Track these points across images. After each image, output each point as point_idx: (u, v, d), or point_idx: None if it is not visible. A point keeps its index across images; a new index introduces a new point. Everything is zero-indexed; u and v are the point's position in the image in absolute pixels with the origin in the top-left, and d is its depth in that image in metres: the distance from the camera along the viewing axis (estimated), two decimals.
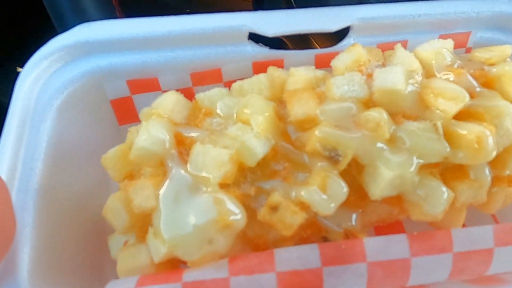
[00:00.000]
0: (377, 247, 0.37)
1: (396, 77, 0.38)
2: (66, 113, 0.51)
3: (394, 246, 0.37)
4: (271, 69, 0.48)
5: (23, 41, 0.73)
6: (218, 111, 0.43)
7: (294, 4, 0.72)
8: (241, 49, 0.54)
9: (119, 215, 0.41)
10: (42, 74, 0.50)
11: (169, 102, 0.42)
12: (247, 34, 0.54)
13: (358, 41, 0.56)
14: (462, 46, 0.56)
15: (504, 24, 0.56)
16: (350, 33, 0.56)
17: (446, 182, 0.40)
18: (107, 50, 0.52)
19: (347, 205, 0.41)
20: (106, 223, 0.44)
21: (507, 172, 0.40)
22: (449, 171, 0.41)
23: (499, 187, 0.42)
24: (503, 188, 0.42)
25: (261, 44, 0.55)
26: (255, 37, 0.55)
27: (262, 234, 0.40)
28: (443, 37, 0.56)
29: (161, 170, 0.39)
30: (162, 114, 0.41)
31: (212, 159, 0.36)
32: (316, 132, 0.37)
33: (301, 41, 0.68)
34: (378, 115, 0.37)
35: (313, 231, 0.41)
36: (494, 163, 0.41)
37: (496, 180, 0.42)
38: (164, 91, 0.50)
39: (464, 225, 0.48)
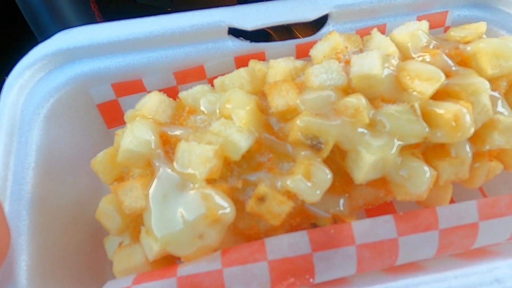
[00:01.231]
0: (364, 230, 0.38)
1: (372, 62, 0.39)
2: (53, 121, 0.51)
3: (381, 227, 0.38)
4: (252, 63, 0.49)
5: (4, 50, 0.73)
6: (202, 108, 0.43)
7: None
8: (221, 45, 0.55)
9: (111, 218, 0.42)
10: (26, 83, 0.51)
11: (152, 103, 0.43)
12: (226, 30, 0.54)
13: (337, 28, 0.56)
14: (440, 25, 0.57)
15: (480, 0, 0.56)
16: (329, 21, 0.56)
17: (428, 161, 0.41)
18: (90, 55, 0.52)
19: (333, 191, 0.42)
20: (101, 226, 0.45)
21: (487, 147, 0.41)
22: (431, 150, 0.42)
23: (481, 162, 0.43)
24: (485, 163, 0.43)
25: (242, 38, 0.55)
26: (235, 32, 0.55)
27: (252, 225, 0.41)
28: (421, 18, 0.56)
29: (149, 170, 0.40)
30: (146, 115, 0.42)
31: (197, 156, 0.36)
32: (297, 122, 0.37)
33: (285, 32, 0.68)
34: (356, 101, 0.38)
35: (302, 218, 0.42)
36: (474, 139, 0.42)
37: (477, 155, 0.43)
38: (149, 92, 0.50)
39: (452, 201, 0.49)
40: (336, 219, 0.40)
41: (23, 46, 0.54)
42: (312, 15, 0.55)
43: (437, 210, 0.40)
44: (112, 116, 0.57)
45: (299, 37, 0.52)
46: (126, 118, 0.43)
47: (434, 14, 0.56)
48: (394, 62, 0.40)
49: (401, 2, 0.56)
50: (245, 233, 0.42)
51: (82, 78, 0.53)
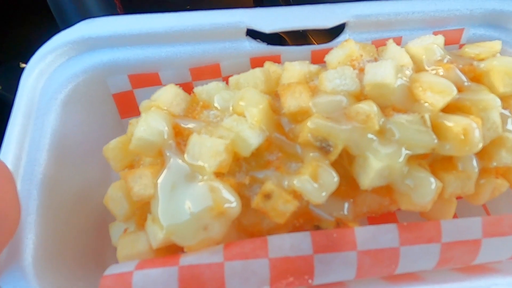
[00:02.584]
0: (367, 236, 0.39)
1: (386, 71, 0.39)
2: (70, 106, 0.53)
3: (383, 235, 0.39)
4: (268, 64, 0.50)
5: (26, 38, 0.75)
6: (216, 104, 0.44)
7: (291, 2, 0.74)
8: (239, 45, 0.56)
9: (119, 203, 0.43)
10: (47, 69, 0.52)
11: (168, 95, 0.44)
12: (245, 31, 0.55)
13: (353, 37, 0.57)
14: (455, 42, 0.57)
15: (496, 21, 0.57)
16: (346, 30, 0.57)
17: (434, 173, 0.41)
18: (110, 46, 0.54)
19: (338, 195, 0.42)
20: (107, 212, 0.45)
21: (494, 164, 0.42)
22: (438, 163, 0.42)
23: (486, 179, 0.44)
24: (491, 179, 0.44)
25: (259, 40, 0.56)
26: (253, 34, 0.56)
27: (256, 223, 0.42)
28: (436, 33, 0.57)
29: (159, 159, 0.41)
30: (161, 106, 0.43)
31: (208, 149, 0.37)
32: (308, 124, 0.38)
33: (299, 37, 0.69)
34: (368, 107, 0.38)
35: (306, 220, 0.42)
36: (482, 155, 0.42)
37: (483, 171, 0.43)
38: (165, 85, 0.51)
39: (456, 216, 0.50)
40: (339, 223, 0.41)
41: (44, 34, 0.55)
42: (329, 23, 0.55)
43: (441, 223, 0.40)
44: (126, 106, 0.58)
45: (313, 43, 0.53)
46: (141, 108, 0.44)
47: (449, 31, 0.57)
48: (408, 73, 0.41)
49: (418, 17, 0.57)
50: (248, 230, 0.43)
51: (101, 67, 0.54)
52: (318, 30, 0.56)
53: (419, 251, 0.39)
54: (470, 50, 0.46)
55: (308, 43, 0.64)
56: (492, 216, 0.41)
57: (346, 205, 0.43)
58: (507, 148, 0.41)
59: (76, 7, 0.67)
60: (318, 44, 0.59)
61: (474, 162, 0.41)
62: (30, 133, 0.48)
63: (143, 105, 0.44)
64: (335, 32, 0.58)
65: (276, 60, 0.56)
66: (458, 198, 0.46)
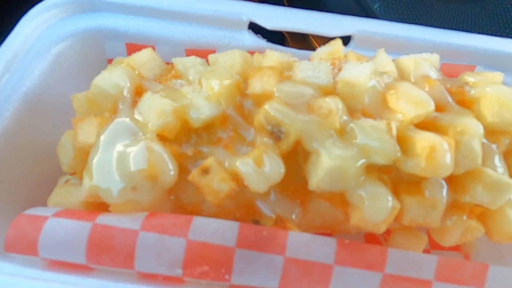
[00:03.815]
0: (300, 244, 0.35)
1: (361, 70, 0.37)
2: (61, 60, 0.54)
3: (319, 247, 0.35)
4: (256, 55, 0.49)
5: None
6: (190, 77, 0.43)
7: (293, 4, 0.73)
8: (238, 36, 0.55)
9: (66, 151, 0.42)
10: (50, 18, 0.54)
11: (142, 57, 0.43)
12: (247, 23, 0.55)
13: (356, 51, 0.55)
14: None
15: (510, 65, 0.53)
16: (351, 43, 0.55)
17: (396, 193, 0.37)
18: (114, 11, 0.55)
19: (288, 193, 0.39)
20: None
21: (467, 198, 0.37)
22: (404, 184, 0.38)
23: (458, 217, 0.39)
24: (462, 219, 0.39)
25: (260, 35, 0.55)
26: (255, 28, 0.56)
27: (196, 202, 0.39)
28: (446, 66, 0.54)
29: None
30: (132, 65, 0.42)
31: (155, 106, 0.36)
32: (266, 106, 0.36)
33: (301, 40, 0.68)
34: (333, 103, 0.36)
35: (248, 212, 0.39)
36: (455, 187, 0.38)
37: (455, 207, 0.38)
38: None
39: None
40: (278, 222, 0.37)
41: None
42: (334, 32, 0.54)
43: (388, 250, 0.36)
44: None
45: (316, 47, 0.51)
46: (113, 62, 0.44)
47: (460, 65, 0.53)
48: (387, 80, 0.38)
49: (428, 45, 0.54)
50: (187, 208, 0.40)
51: (101, 30, 0.55)
52: (322, 38, 0.55)
53: (356, 275, 0.35)
54: (468, 77, 0.42)
55: (309, 46, 0.63)
56: (451, 259, 0.36)
57: (295, 208, 0.39)
58: (485, 184, 0.36)
59: None
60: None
61: (444, 192, 0.37)
62: (14, 70, 0.49)
63: (115, 60, 0.44)
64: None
65: None
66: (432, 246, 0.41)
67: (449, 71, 0.53)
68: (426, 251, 0.53)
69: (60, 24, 0.54)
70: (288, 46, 0.56)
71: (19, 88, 0.49)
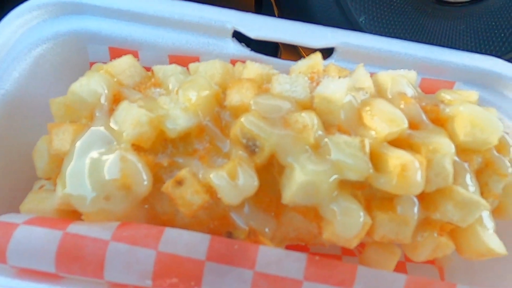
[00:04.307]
0: (271, 259, 0.35)
1: (338, 86, 0.37)
2: (43, 61, 0.53)
3: (290, 263, 0.35)
4: (238, 64, 0.49)
5: None
6: (170, 85, 0.43)
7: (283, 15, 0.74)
8: (222, 44, 0.55)
9: (42, 157, 0.41)
10: (31, 20, 0.53)
11: (122, 64, 0.43)
12: (231, 31, 0.55)
13: (339, 64, 0.55)
14: None
15: (490, 82, 0.54)
16: (334, 55, 0.56)
17: (368, 209, 0.37)
18: (97, 14, 0.55)
19: (261, 206, 0.39)
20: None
21: (438, 215, 0.37)
22: (377, 201, 0.38)
23: (429, 233, 0.39)
24: (434, 235, 0.39)
25: (243, 44, 0.56)
26: (241, 37, 0.56)
27: (170, 212, 0.39)
28: (426, 80, 0.55)
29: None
30: (111, 72, 0.42)
31: (131, 116, 0.36)
32: (242, 119, 0.36)
33: (294, 51, 0.68)
34: (308, 118, 0.36)
35: (222, 224, 0.39)
36: (426, 204, 0.38)
37: (426, 223, 0.39)
38: (143, 66, 0.51)
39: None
40: (251, 234, 0.37)
41: None
42: (317, 44, 0.54)
43: (357, 268, 0.36)
44: None
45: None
46: (92, 68, 0.43)
47: (440, 81, 0.54)
48: (363, 96, 0.38)
49: (409, 59, 0.55)
50: (161, 218, 0.40)
51: (84, 33, 0.55)
52: (310, 49, 0.55)
53: None
54: (445, 94, 0.43)
55: (298, 59, 0.63)
56: (419, 277, 0.37)
57: (270, 222, 0.39)
58: (455, 202, 0.37)
59: None
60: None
61: (416, 209, 0.37)
62: None
63: (95, 66, 0.43)
64: (326, 54, 0.57)
65: None
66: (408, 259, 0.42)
67: (429, 86, 0.54)
68: (401, 264, 0.53)
69: (42, 26, 0.53)
70: (280, 57, 0.56)
71: None
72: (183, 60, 0.56)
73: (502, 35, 0.67)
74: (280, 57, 0.67)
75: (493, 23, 0.67)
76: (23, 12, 0.52)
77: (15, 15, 0.52)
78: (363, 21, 0.65)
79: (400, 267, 0.53)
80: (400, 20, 0.67)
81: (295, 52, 0.71)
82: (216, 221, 0.39)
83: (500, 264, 0.49)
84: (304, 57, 0.68)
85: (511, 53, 0.67)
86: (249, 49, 0.56)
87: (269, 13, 0.65)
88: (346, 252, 0.53)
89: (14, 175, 0.48)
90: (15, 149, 0.49)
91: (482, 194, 0.41)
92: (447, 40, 0.67)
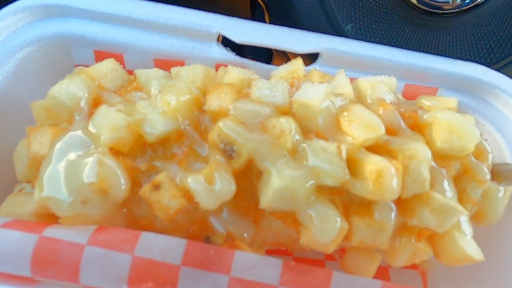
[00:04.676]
0: (245, 264, 0.35)
1: (316, 92, 0.37)
2: (27, 64, 0.53)
3: (264, 268, 0.35)
4: (221, 69, 0.49)
5: None
6: (152, 89, 0.43)
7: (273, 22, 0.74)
8: (207, 49, 0.55)
9: (21, 160, 0.41)
10: (16, 22, 0.53)
11: (104, 67, 0.43)
12: (216, 36, 0.55)
13: (324, 69, 0.55)
14: None
15: (472, 88, 0.54)
16: (318, 60, 0.56)
17: (346, 215, 0.38)
18: (82, 17, 0.55)
19: (240, 211, 0.39)
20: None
21: (414, 221, 0.38)
22: (355, 206, 0.39)
23: (407, 239, 0.39)
24: (411, 241, 0.39)
25: (229, 48, 0.56)
26: (227, 42, 0.56)
27: (149, 217, 0.39)
28: (409, 86, 0.55)
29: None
30: (92, 75, 0.42)
31: (108, 120, 0.36)
32: (220, 123, 0.36)
33: (284, 57, 0.69)
34: (286, 123, 0.36)
35: (201, 229, 0.39)
36: (403, 210, 0.38)
37: (403, 229, 0.39)
38: (127, 70, 0.51)
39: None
40: (228, 239, 0.37)
41: None
42: (302, 49, 0.55)
43: (332, 274, 0.36)
44: None
45: None
46: (73, 72, 0.43)
47: (423, 87, 0.55)
48: (341, 102, 0.39)
49: (393, 65, 0.55)
50: (140, 223, 0.40)
51: (68, 36, 0.54)
52: (297, 54, 0.55)
53: None
54: (425, 100, 0.43)
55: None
56: (393, 283, 0.37)
57: (248, 226, 0.39)
58: (431, 208, 0.37)
59: None
60: None
61: (393, 215, 0.38)
62: None
63: (76, 70, 0.43)
64: (311, 60, 0.57)
65: None
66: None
67: (413, 92, 0.55)
68: (384, 269, 0.54)
69: (26, 29, 0.53)
70: (273, 62, 0.56)
71: None
72: (168, 64, 0.56)
73: (488, 46, 0.68)
74: (273, 63, 0.67)
75: (479, 34, 0.68)
76: (8, 14, 0.52)
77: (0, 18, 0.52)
78: (350, 30, 0.65)
79: (383, 272, 0.54)
80: (387, 30, 0.67)
81: (285, 57, 0.71)
82: (195, 225, 0.39)
83: (482, 269, 0.50)
84: (290, 56, 0.68)
85: (497, 64, 0.67)
86: (234, 53, 0.56)
87: (261, 20, 0.65)
88: (328, 257, 0.53)
89: None
90: None
91: (460, 200, 0.41)
92: (434, 50, 0.68)
